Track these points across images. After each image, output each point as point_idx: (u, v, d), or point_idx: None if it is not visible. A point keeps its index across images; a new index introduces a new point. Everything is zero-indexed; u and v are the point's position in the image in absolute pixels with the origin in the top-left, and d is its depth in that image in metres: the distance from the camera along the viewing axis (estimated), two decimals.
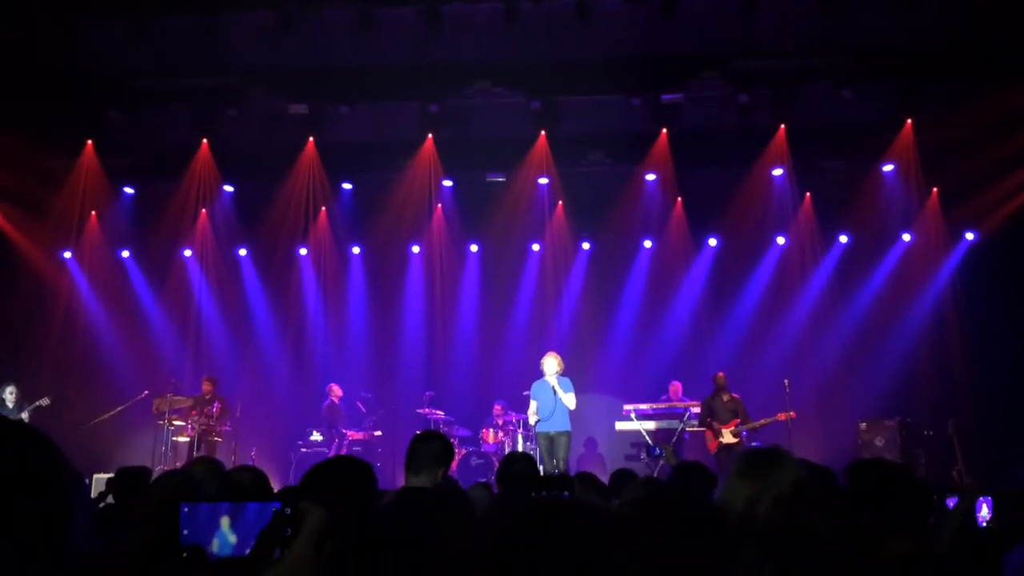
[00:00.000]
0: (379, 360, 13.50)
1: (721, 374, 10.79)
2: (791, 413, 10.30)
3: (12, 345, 12.09)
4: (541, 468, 8.86)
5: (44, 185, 12.27)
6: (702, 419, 10.65)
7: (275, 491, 3.72)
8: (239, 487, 3.08)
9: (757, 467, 2.33)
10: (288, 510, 1.44)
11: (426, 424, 11.64)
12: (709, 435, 10.52)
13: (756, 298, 13.00)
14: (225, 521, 1.50)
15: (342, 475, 2.63)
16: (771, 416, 10.41)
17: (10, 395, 10.63)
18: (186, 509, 1.51)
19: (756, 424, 10.45)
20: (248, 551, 1.41)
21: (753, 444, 11.05)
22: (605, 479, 5.59)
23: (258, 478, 3.19)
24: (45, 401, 10.59)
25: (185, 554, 1.49)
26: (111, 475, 10.59)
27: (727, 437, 10.30)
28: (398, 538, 2.84)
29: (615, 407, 11.73)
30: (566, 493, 3.15)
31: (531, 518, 1.06)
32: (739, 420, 10.39)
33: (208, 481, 3.27)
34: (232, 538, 1.47)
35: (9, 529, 0.93)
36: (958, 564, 3.31)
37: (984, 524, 4.55)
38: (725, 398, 10.53)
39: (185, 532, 1.51)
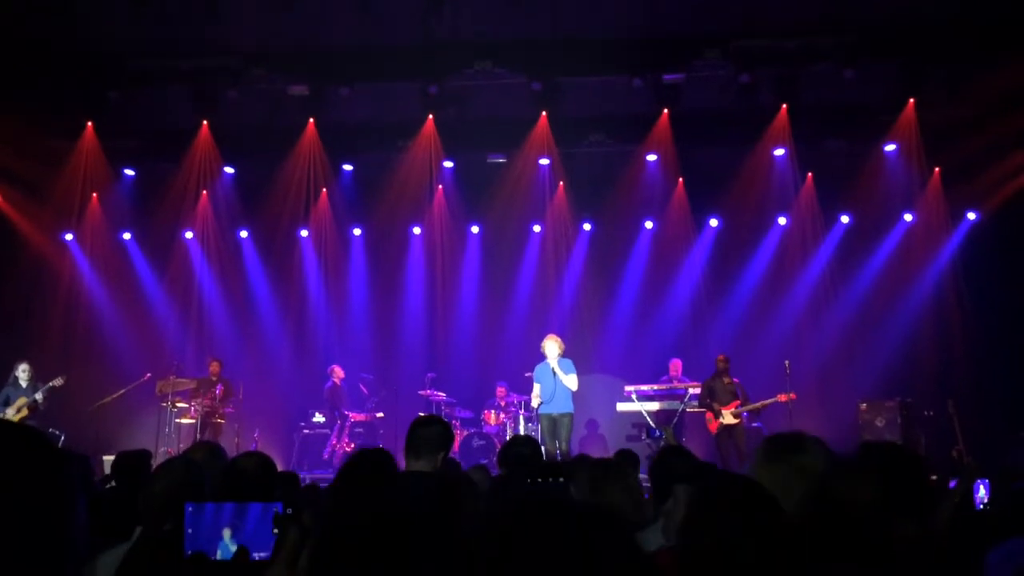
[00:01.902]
0: (380, 341, 13.54)
1: (722, 357, 10.82)
2: (791, 395, 10.33)
3: (14, 327, 12.13)
4: (542, 449, 8.92)
5: (45, 167, 12.24)
6: (702, 400, 10.71)
7: (280, 474, 3.75)
8: (244, 473, 3.12)
9: (783, 452, 2.36)
10: (290, 510, 1.47)
11: (428, 405, 11.69)
12: (710, 416, 10.58)
13: (757, 279, 13.02)
14: (227, 533, 1.53)
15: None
16: (771, 397, 10.45)
17: (23, 372, 10.55)
18: (191, 508, 1.54)
19: (756, 405, 10.50)
20: (254, 554, 1.46)
21: (754, 425, 11.10)
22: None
23: (264, 464, 3.22)
24: (59, 381, 10.47)
25: (190, 552, 1.52)
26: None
27: (727, 418, 10.36)
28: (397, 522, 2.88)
29: (616, 388, 11.77)
30: (561, 479, 3.17)
31: (523, 513, 1.07)
32: (739, 402, 10.44)
33: (207, 465, 3.31)
34: (233, 547, 1.50)
35: (11, 528, 0.94)
36: (955, 546, 3.33)
37: (981, 506, 4.58)
38: (726, 380, 10.58)
39: (190, 531, 1.54)
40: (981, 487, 4.67)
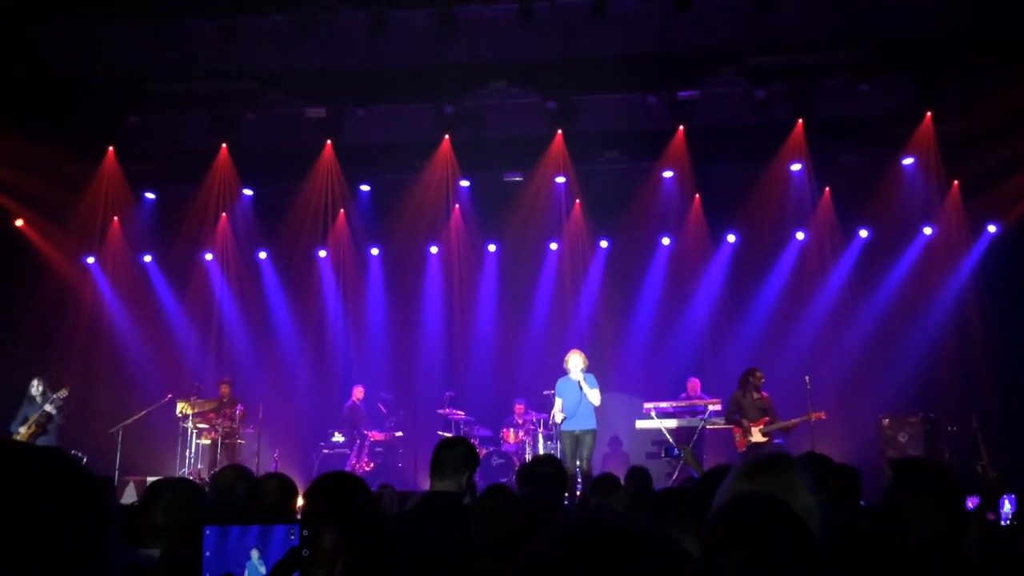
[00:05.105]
0: (399, 361, 13.55)
1: (759, 373, 10.50)
2: (822, 414, 10.11)
3: (37, 350, 12.22)
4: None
5: (67, 192, 12.40)
6: (729, 416, 10.44)
7: (301, 494, 3.77)
8: (267, 494, 3.14)
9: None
10: (306, 533, 1.47)
11: (446, 424, 11.68)
12: (738, 432, 10.31)
13: (775, 294, 12.93)
14: (255, 554, 1.52)
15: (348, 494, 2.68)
16: (801, 416, 10.20)
17: (36, 389, 10.26)
18: (208, 532, 1.54)
19: (787, 424, 10.21)
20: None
21: (776, 442, 10.94)
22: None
23: (285, 485, 3.25)
24: (63, 392, 10.21)
25: None
26: (140, 478, 10.63)
27: (756, 436, 10.09)
28: (423, 543, 2.88)
29: (635, 406, 11.69)
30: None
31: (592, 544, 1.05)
32: (768, 419, 10.20)
33: (237, 486, 3.34)
34: (262, 569, 1.49)
35: (52, 554, 0.95)
36: (983, 563, 3.29)
37: (1007, 521, 4.52)
38: (755, 396, 10.29)
39: (208, 554, 1.53)
40: (1007, 502, 4.61)
